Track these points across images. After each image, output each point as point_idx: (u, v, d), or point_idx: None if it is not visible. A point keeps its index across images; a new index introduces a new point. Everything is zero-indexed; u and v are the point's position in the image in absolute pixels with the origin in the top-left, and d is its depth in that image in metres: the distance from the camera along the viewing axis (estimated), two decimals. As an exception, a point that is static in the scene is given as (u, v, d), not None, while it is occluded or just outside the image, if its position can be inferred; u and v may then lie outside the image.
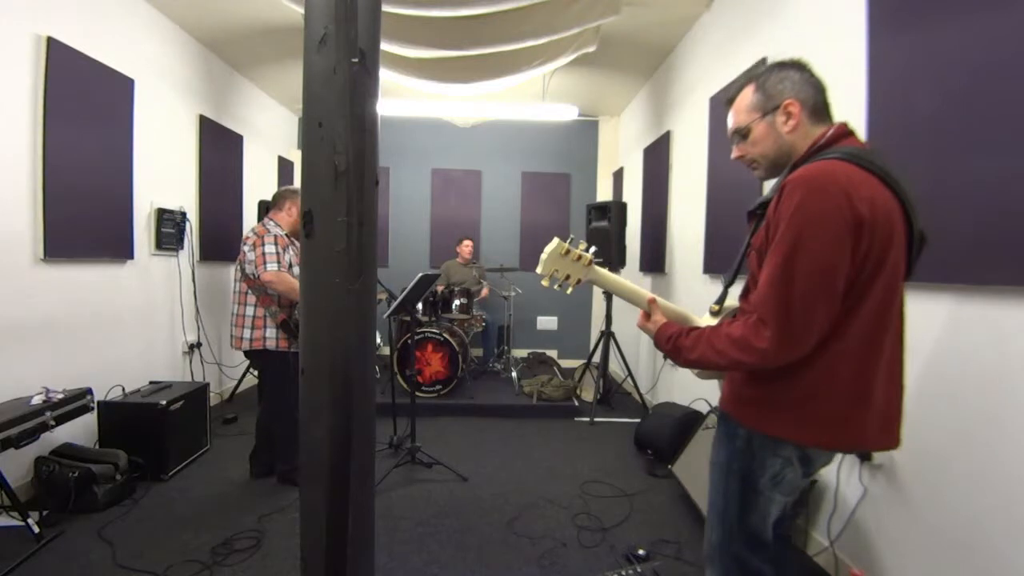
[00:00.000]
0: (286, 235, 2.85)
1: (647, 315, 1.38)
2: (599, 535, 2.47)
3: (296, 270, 2.80)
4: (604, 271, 1.45)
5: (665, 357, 1.31)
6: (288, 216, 2.90)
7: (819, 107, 1.21)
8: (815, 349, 1.10)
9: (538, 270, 1.41)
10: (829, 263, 1.06)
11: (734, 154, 1.31)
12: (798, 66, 1.22)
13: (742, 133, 1.27)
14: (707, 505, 1.35)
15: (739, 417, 1.24)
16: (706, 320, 1.33)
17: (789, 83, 1.21)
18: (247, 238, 2.82)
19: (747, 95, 1.26)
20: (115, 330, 3.26)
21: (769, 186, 1.20)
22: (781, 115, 1.21)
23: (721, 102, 1.34)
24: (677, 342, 1.25)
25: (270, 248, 2.73)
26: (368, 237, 1.04)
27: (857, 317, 1.10)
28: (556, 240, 1.40)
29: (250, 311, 2.81)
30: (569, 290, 1.46)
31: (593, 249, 1.43)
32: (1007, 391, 1.50)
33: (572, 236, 1.44)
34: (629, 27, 3.83)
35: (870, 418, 1.14)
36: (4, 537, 2.22)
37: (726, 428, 1.29)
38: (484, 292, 5.67)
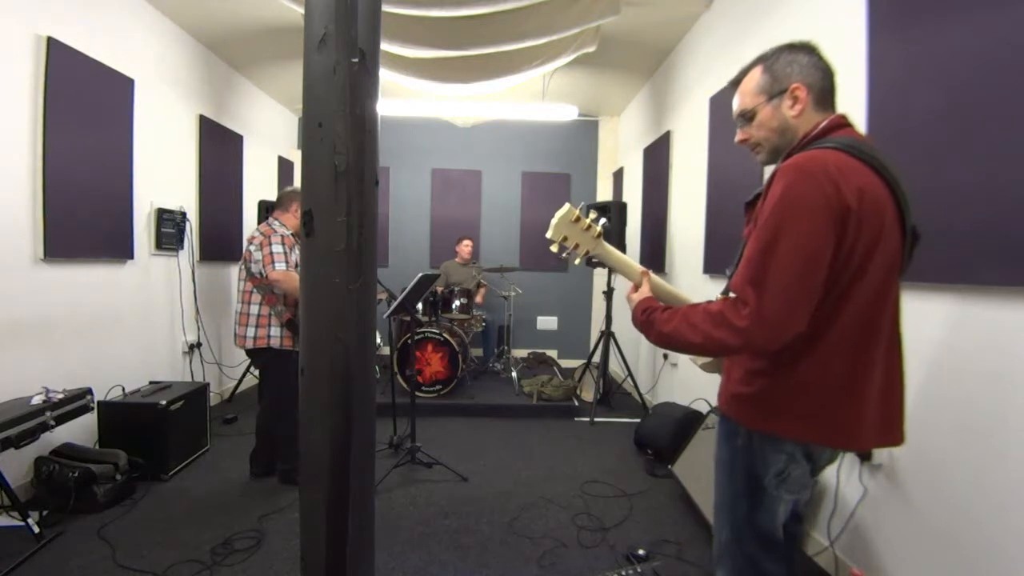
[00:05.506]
0: (292, 235, 2.86)
1: (636, 287, 1.36)
2: (599, 535, 2.47)
3: None
4: (612, 248, 1.42)
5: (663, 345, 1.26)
6: (294, 217, 2.91)
7: (825, 93, 1.20)
8: (805, 343, 1.09)
9: (548, 235, 1.38)
10: (811, 248, 1.04)
11: (738, 137, 1.28)
12: (807, 49, 1.20)
13: (747, 116, 1.25)
14: (714, 505, 1.33)
15: (736, 416, 1.23)
16: None
17: (797, 67, 1.19)
18: (253, 237, 2.83)
19: (755, 77, 1.23)
20: (115, 330, 3.26)
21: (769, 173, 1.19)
22: (788, 99, 1.19)
23: (730, 85, 1.30)
24: (651, 315, 1.23)
25: (278, 248, 2.75)
26: (368, 237, 1.04)
27: (846, 310, 1.09)
28: (567, 206, 1.36)
29: (254, 309, 2.82)
30: (577, 260, 1.42)
31: (603, 221, 1.39)
32: (1007, 391, 1.50)
33: (583, 204, 1.40)
34: (629, 27, 3.82)
35: (866, 414, 1.12)
36: (4, 537, 2.22)
37: (726, 427, 1.28)
38: (479, 299, 5.53)
